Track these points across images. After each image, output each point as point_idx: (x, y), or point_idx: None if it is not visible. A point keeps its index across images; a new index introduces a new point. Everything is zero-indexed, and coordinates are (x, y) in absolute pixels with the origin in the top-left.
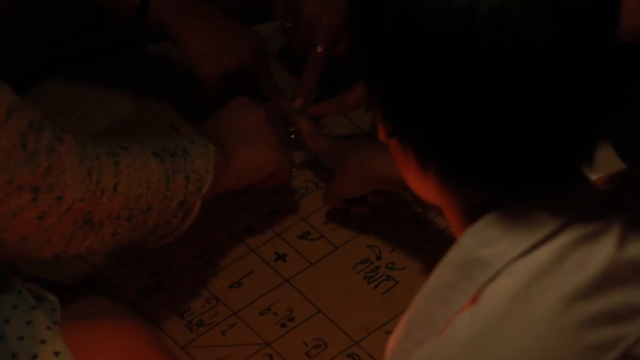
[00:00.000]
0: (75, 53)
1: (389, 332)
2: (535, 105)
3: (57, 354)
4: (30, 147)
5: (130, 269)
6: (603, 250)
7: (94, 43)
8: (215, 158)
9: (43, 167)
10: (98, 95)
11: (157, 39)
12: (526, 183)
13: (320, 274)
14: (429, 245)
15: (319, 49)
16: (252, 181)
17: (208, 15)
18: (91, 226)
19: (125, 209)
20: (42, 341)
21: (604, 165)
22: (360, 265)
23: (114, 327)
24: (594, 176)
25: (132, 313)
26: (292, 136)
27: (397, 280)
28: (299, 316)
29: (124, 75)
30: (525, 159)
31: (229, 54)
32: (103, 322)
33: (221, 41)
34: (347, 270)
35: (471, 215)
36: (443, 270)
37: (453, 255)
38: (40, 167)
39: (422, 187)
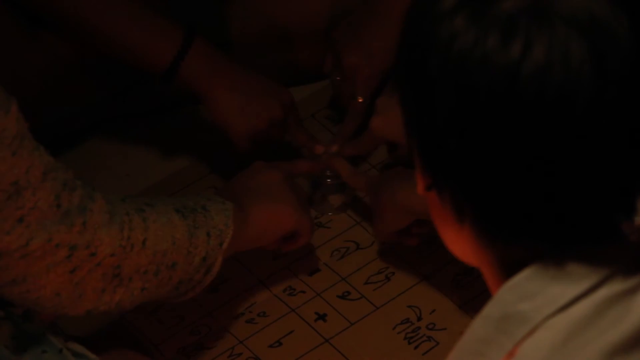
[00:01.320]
0: (116, 114)
1: None
2: (575, 163)
3: None
4: (64, 207)
5: (171, 328)
6: None
7: (134, 104)
8: (234, 214)
9: (78, 224)
10: (139, 156)
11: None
12: (564, 239)
13: (361, 334)
14: (469, 306)
15: (359, 99)
16: (273, 238)
17: (237, 74)
18: (120, 281)
19: (153, 264)
20: None
21: None
22: (401, 325)
23: None
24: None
25: (140, 344)
26: (329, 180)
27: (437, 341)
28: None
29: (164, 137)
30: (564, 216)
31: (260, 114)
32: None
33: (250, 101)
34: (387, 331)
35: (507, 270)
36: (480, 324)
37: (490, 310)
38: (75, 225)
39: (458, 241)
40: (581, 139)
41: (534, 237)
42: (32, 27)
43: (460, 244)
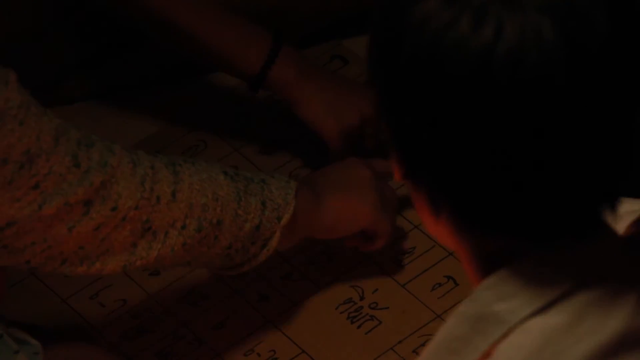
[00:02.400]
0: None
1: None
2: (551, 150)
3: None
4: (84, 166)
5: (113, 313)
6: (620, 313)
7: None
8: (303, 197)
9: (97, 182)
10: (123, 119)
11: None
12: (542, 233)
13: (304, 315)
14: (411, 285)
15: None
16: (346, 232)
17: (325, 76)
18: (154, 235)
19: (191, 218)
20: None
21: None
22: (344, 305)
23: None
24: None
25: (115, 357)
26: None
27: (380, 320)
28: (282, 357)
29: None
30: (541, 208)
31: (351, 109)
32: None
33: (340, 98)
34: (330, 310)
35: (485, 262)
36: (456, 322)
37: (466, 308)
38: (94, 184)
39: (437, 228)
40: (557, 124)
41: (512, 231)
42: None
43: (438, 231)
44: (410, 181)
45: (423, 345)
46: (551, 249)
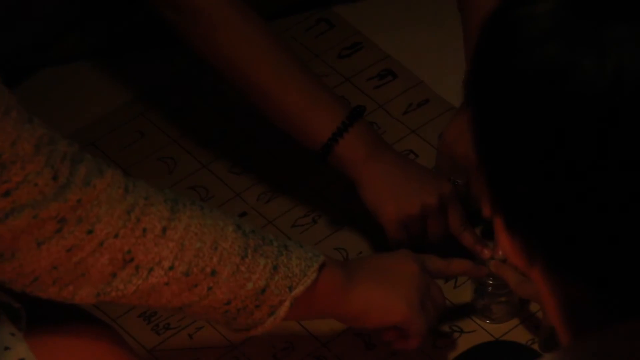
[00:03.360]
0: (58, 54)
1: (357, 334)
2: None
3: None
4: (62, 180)
5: None
6: None
7: (80, 43)
8: (330, 275)
9: (73, 200)
10: (75, 97)
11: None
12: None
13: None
14: None
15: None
16: (374, 324)
17: (394, 160)
18: (136, 269)
19: (180, 260)
20: (6, 348)
21: None
22: None
23: (79, 332)
24: None
25: (98, 318)
26: (490, 288)
27: None
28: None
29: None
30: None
31: (412, 199)
32: (69, 328)
33: (404, 186)
34: None
35: (574, 318)
36: None
37: None
38: (69, 200)
39: (527, 271)
40: None
41: (609, 293)
42: None
43: (528, 272)
44: (502, 222)
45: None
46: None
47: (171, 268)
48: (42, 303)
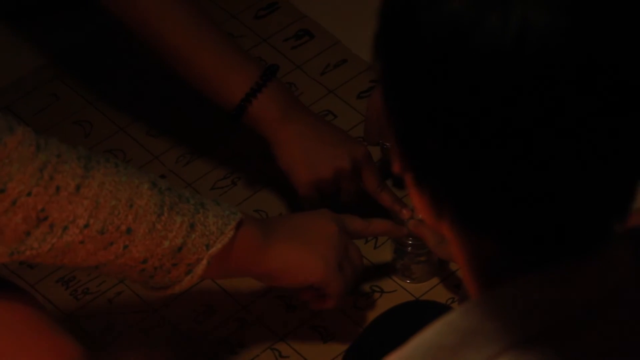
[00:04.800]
0: None
1: (278, 296)
2: (568, 158)
3: None
4: None
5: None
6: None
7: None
8: (247, 234)
9: None
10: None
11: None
12: (545, 247)
13: None
14: None
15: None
16: (290, 284)
17: (309, 121)
18: (50, 228)
19: (95, 218)
20: None
21: None
22: None
23: None
24: None
25: (15, 284)
26: (410, 248)
27: None
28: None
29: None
30: (547, 220)
31: (326, 161)
32: None
33: (319, 148)
34: None
35: (482, 272)
36: (445, 330)
37: (459, 320)
38: None
39: (437, 227)
40: (571, 121)
41: (516, 243)
42: None
43: (439, 228)
44: (411, 177)
45: None
46: (554, 265)
47: (86, 226)
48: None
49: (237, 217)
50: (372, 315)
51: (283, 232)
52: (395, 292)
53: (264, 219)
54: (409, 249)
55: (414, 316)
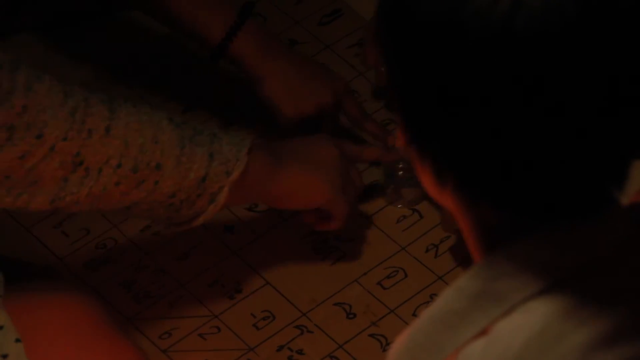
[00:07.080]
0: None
1: (336, 304)
2: (562, 125)
3: (0, 327)
4: (6, 86)
5: (76, 242)
6: (623, 298)
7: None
8: (259, 159)
9: (18, 106)
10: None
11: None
12: (546, 210)
13: (268, 246)
14: (376, 217)
15: None
16: (298, 206)
17: (290, 58)
18: (86, 171)
19: (127, 157)
20: None
21: None
22: (309, 236)
23: (58, 301)
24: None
25: (78, 286)
26: (401, 172)
27: (344, 252)
28: (246, 288)
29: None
30: (546, 184)
31: (309, 97)
32: (48, 296)
33: (302, 84)
34: (294, 242)
35: (487, 238)
36: (453, 296)
37: (466, 283)
38: (15, 107)
39: (440, 198)
40: (568, 92)
41: (516, 207)
42: None
43: (442, 199)
44: (415, 149)
45: (388, 277)
46: (556, 228)
47: (119, 166)
48: (22, 270)
49: (248, 142)
50: None
51: (290, 156)
52: None
53: (269, 143)
54: (400, 172)
55: None
